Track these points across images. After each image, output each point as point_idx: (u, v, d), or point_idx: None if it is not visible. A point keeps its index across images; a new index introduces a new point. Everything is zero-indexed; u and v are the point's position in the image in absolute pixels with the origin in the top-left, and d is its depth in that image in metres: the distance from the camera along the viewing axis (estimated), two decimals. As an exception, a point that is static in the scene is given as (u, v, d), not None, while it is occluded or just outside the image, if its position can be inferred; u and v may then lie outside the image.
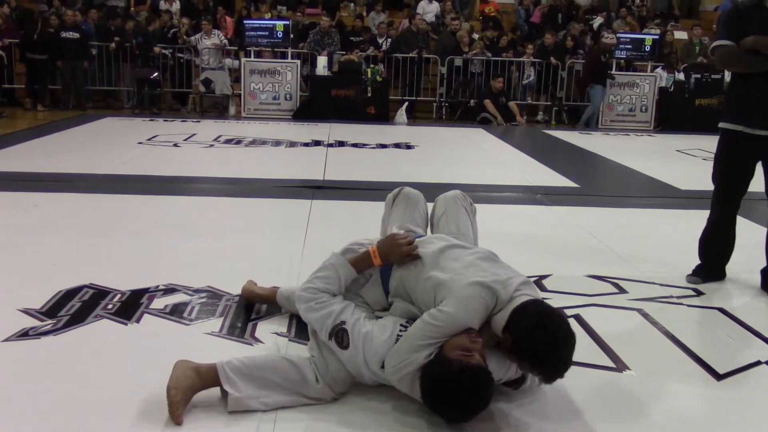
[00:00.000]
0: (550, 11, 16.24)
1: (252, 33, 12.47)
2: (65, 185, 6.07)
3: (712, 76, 12.25)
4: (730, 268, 4.09)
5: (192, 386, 2.41)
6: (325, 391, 2.49)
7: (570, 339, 2.32)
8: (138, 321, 3.19)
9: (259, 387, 2.43)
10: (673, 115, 12.72)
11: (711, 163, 4.06)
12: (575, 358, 2.71)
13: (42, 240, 4.42)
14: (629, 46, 13.07)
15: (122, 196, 5.75)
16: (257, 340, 3.02)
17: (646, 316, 3.50)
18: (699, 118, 11.52)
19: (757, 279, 3.98)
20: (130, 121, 11.10)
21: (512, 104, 12.80)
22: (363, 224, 5.12)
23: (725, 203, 3.99)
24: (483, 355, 2.32)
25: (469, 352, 2.28)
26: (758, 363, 3.01)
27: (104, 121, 10.89)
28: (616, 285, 3.91)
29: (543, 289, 3.73)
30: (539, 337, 2.27)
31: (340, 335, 2.48)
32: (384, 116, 12.42)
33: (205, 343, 2.99)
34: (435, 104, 13.52)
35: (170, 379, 2.39)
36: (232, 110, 12.61)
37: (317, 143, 9.22)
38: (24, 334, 2.99)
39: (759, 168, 3.88)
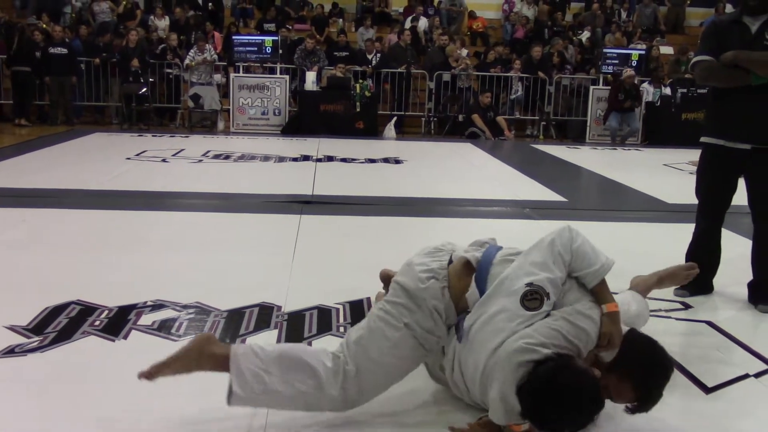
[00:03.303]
0: (536, 26, 16.37)
1: (241, 48, 12.52)
2: (53, 201, 6.04)
3: (698, 91, 12.34)
4: (717, 281, 4.11)
5: (190, 369, 2.34)
6: (342, 402, 2.35)
7: (672, 369, 2.39)
8: (125, 337, 3.17)
9: (266, 390, 2.28)
10: (659, 129, 12.81)
11: (699, 177, 4.10)
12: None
13: (29, 256, 4.39)
14: (616, 61, 13.19)
15: (110, 211, 5.72)
16: (246, 356, 3.00)
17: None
18: (685, 132, 11.59)
19: (744, 292, 4.00)
20: (118, 137, 11.07)
21: (500, 119, 12.87)
22: (352, 239, 5.13)
23: (709, 217, 4.02)
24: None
25: (591, 364, 2.31)
26: (746, 376, 3.02)
27: (92, 137, 10.87)
28: (605, 299, 3.92)
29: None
30: (654, 361, 2.34)
31: (537, 295, 2.31)
32: (373, 131, 12.45)
33: (194, 359, 2.96)
34: (423, 119, 13.56)
35: (183, 350, 2.32)
36: (220, 125, 12.61)
37: (306, 158, 9.22)
38: (10, 351, 2.96)
39: (742, 181, 3.91)
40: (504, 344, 2.23)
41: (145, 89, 12.42)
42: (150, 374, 2.29)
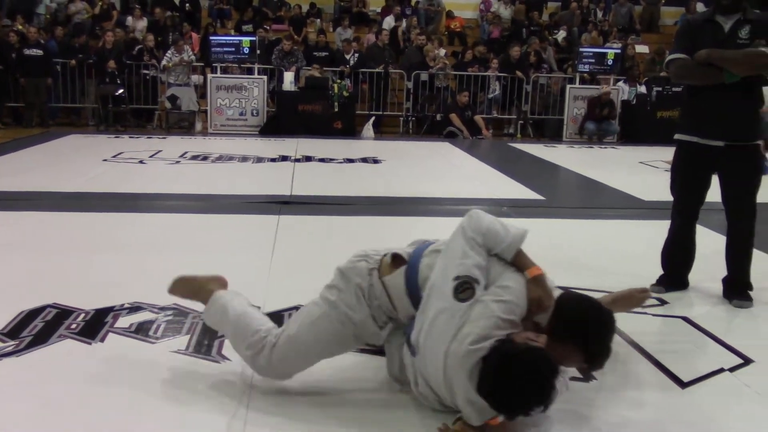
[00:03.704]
0: (513, 25, 16.44)
1: (218, 49, 12.45)
2: (28, 204, 5.98)
3: (673, 89, 12.47)
4: (693, 277, 4.16)
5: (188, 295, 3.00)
6: (259, 369, 2.65)
7: (613, 324, 2.46)
8: (102, 340, 3.15)
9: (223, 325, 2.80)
10: (635, 128, 12.92)
11: (674, 174, 4.14)
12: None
13: (4, 259, 4.35)
14: (592, 60, 13.29)
15: (87, 213, 5.68)
16: (224, 358, 2.99)
17: (611, 325, 3.54)
18: (661, 129, 11.67)
19: (719, 287, 4.05)
20: (94, 138, 10.98)
21: (478, 118, 12.91)
22: (331, 239, 5.13)
23: (684, 214, 4.06)
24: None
25: (532, 340, 2.29)
26: (721, 370, 3.06)
27: (68, 139, 10.77)
28: (582, 296, 3.95)
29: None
30: (589, 317, 2.38)
31: (467, 284, 2.36)
32: (351, 131, 12.44)
33: (172, 361, 2.96)
34: (401, 119, 13.58)
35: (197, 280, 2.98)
36: (198, 126, 12.54)
37: (284, 158, 9.20)
38: (-15, 356, 2.93)
39: (716, 178, 3.96)
40: (450, 351, 2.28)
41: (121, 90, 12.33)
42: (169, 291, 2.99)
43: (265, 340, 2.62)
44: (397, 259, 2.60)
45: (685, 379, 2.95)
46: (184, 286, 2.99)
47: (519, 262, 2.47)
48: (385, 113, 13.59)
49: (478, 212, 2.55)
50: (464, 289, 2.34)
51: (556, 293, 2.50)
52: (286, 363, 2.61)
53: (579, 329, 2.36)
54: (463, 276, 2.36)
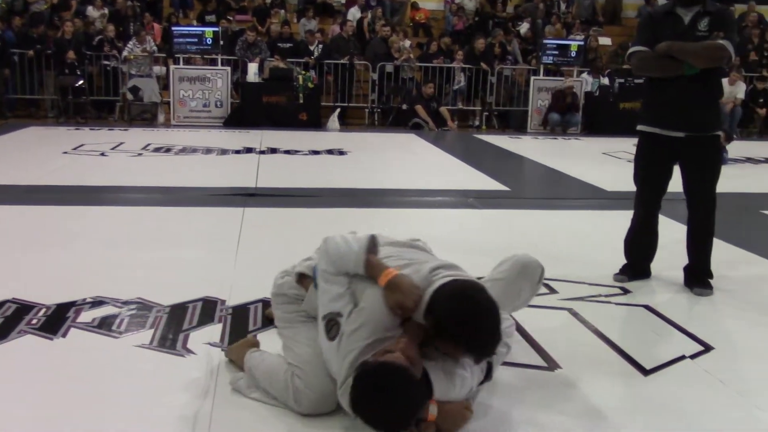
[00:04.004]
0: (478, 16, 16.48)
1: (181, 40, 12.28)
2: (-14, 197, 5.86)
3: (636, 81, 12.60)
4: (655, 266, 4.22)
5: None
6: (300, 407, 2.44)
7: (491, 308, 2.23)
8: (64, 335, 3.10)
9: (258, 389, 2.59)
10: (598, 119, 13.06)
11: (635, 165, 4.19)
12: (509, 358, 2.77)
13: (-39, 254, 4.26)
14: (555, 52, 13.39)
15: (47, 207, 5.58)
16: (189, 351, 2.97)
17: (575, 315, 3.58)
18: (624, 121, 11.80)
19: (680, 276, 4.11)
20: (54, 131, 10.78)
21: (443, 109, 12.94)
22: (296, 231, 5.10)
23: (646, 203, 4.12)
24: (411, 354, 2.20)
25: (389, 352, 2.18)
26: (683, 357, 3.11)
27: (27, 131, 10.56)
28: (547, 285, 3.97)
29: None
30: (458, 310, 2.19)
31: (332, 322, 2.34)
32: (316, 123, 12.39)
33: (135, 355, 2.92)
34: (367, 110, 13.55)
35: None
36: (161, 118, 12.38)
37: (249, 150, 9.13)
38: (-58, 353, 2.87)
39: (677, 168, 4.02)
40: (338, 396, 2.31)
41: (81, 81, 12.11)
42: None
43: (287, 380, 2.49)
44: (303, 278, 2.68)
45: (648, 367, 3.00)
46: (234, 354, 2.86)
47: (371, 274, 2.36)
48: (350, 105, 13.55)
49: (326, 240, 2.47)
50: (331, 327, 2.33)
51: (437, 283, 2.30)
52: (316, 380, 2.45)
53: (452, 327, 2.21)
54: (327, 314, 2.35)
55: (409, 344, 2.22)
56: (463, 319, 2.19)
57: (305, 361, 2.47)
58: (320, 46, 13.65)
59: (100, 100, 12.79)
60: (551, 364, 2.98)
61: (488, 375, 2.46)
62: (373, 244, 2.42)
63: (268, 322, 3.22)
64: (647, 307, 3.75)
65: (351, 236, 2.46)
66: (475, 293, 2.26)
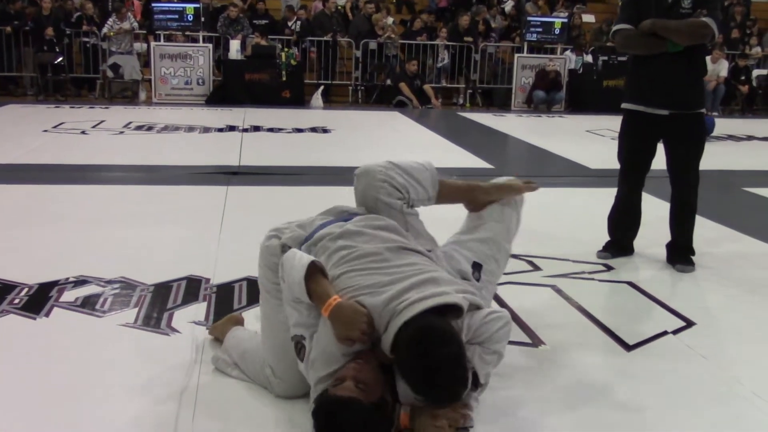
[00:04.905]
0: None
1: (161, 16, 12.12)
2: (-35, 176, 5.79)
3: (619, 59, 12.63)
4: (638, 243, 4.25)
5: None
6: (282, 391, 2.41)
7: (451, 363, 2.01)
8: (48, 315, 3.08)
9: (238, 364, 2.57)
10: (582, 97, 13.08)
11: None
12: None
13: (-59, 234, 4.21)
14: (539, 29, 13.36)
15: (28, 186, 5.52)
16: (174, 330, 2.96)
17: (559, 291, 3.61)
18: (607, 98, 11.84)
19: (663, 253, 4.14)
20: (33, 109, 10.65)
21: (427, 87, 12.91)
22: (280, 209, 5.07)
23: (630, 181, 4.14)
24: (363, 377, 2.05)
25: (340, 380, 2.05)
26: (665, 333, 3.14)
27: (6, 109, 10.43)
28: (531, 263, 4.01)
29: (460, 268, 3.78)
30: (415, 365, 2.01)
31: (298, 345, 2.24)
32: (299, 100, 12.32)
33: (120, 335, 2.91)
34: (351, 88, 13.49)
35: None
36: (142, 96, 12.26)
37: (232, 128, 9.07)
38: (-77, 333, 2.84)
39: (661, 146, 4.04)
40: None
41: (60, 59, 11.94)
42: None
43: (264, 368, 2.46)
44: (285, 249, 2.43)
45: (631, 342, 3.02)
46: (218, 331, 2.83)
47: (316, 304, 2.18)
48: (334, 82, 13.48)
49: (282, 259, 2.31)
50: (299, 349, 2.24)
51: (403, 316, 2.08)
52: (283, 365, 2.40)
53: (409, 381, 2.05)
54: (293, 337, 2.26)
55: (361, 367, 2.08)
56: (420, 377, 2.01)
57: (277, 349, 2.39)
58: (299, 22, 13.51)
59: (79, 78, 12.65)
60: (535, 341, 3.00)
61: (476, 383, 2.21)
62: (314, 269, 2.19)
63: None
64: (630, 284, 3.77)
65: (297, 259, 2.23)
66: (435, 346, 2.00)
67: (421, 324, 2.05)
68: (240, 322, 2.85)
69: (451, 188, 2.84)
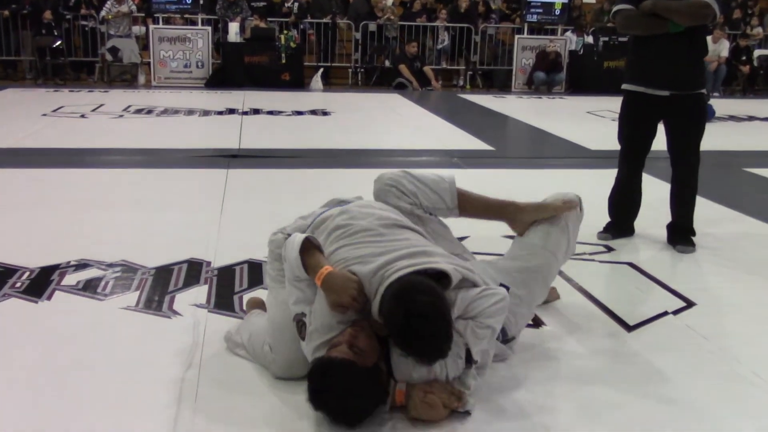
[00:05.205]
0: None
1: (159, -1, 12.08)
2: (-35, 160, 5.78)
3: (620, 39, 12.57)
4: (638, 224, 4.24)
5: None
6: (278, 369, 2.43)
7: (433, 310, 2.04)
8: (49, 298, 3.08)
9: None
10: (582, 78, 13.03)
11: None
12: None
13: (-59, 218, 4.21)
14: (540, 10, 13.29)
15: (27, 169, 5.52)
16: (176, 313, 2.96)
17: (560, 272, 3.60)
18: (607, 79, 11.81)
19: (663, 234, 4.14)
20: (32, 92, 10.63)
21: (427, 69, 12.86)
22: (280, 192, 5.08)
23: (630, 162, 4.13)
24: (358, 343, 2.10)
25: (336, 345, 2.11)
26: (665, 314, 3.15)
27: (5, 93, 10.40)
28: (531, 244, 4.01)
29: (461, 250, 3.78)
30: (396, 314, 2.05)
31: (300, 323, 2.29)
32: (299, 83, 12.28)
33: (121, 318, 2.92)
34: (350, 70, 13.44)
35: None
36: (141, 79, 12.23)
37: (231, 111, 9.05)
38: (-74, 317, 2.85)
39: (661, 127, 4.03)
40: None
41: (59, 42, 11.89)
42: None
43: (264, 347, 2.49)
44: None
45: (631, 323, 3.03)
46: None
47: (310, 276, 2.25)
48: (333, 65, 13.43)
49: (286, 244, 2.37)
50: (300, 328, 2.28)
51: (389, 279, 2.15)
52: (283, 347, 2.42)
53: (392, 332, 2.10)
54: (295, 316, 2.31)
55: (357, 333, 2.13)
56: (400, 325, 2.04)
57: (275, 327, 2.44)
58: (296, 4, 13.44)
59: (78, 61, 12.60)
60: (537, 321, 3.00)
61: (469, 360, 2.22)
62: (308, 244, 2.29)
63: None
64: (631, 265, 3.78)
65: (295, 238, 2.32)
66: (416, 294, 2.06)
67: (404, 280, 2.13)
68: (262, 305, 2.84)
69: (477, 201, 2.78)
